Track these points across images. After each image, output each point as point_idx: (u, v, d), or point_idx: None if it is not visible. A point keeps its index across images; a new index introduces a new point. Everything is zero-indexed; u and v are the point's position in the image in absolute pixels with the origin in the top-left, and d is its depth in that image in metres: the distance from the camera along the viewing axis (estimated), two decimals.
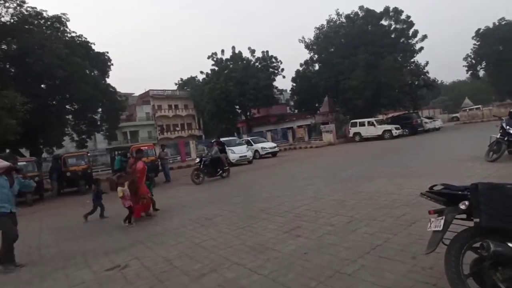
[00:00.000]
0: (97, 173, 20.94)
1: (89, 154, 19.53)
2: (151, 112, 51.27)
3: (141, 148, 11.17)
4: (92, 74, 21.59)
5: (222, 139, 20.06)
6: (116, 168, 13.40)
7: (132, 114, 50.46)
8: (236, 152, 18.51)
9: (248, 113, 43.30)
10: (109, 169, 19.45)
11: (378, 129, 25.05)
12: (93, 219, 7.67)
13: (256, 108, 41.58)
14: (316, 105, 37.61)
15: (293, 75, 39.55)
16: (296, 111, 44.95)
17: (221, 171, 12.64)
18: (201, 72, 43.67)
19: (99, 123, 23.60)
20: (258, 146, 22.00)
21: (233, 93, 36.76)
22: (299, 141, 32.82)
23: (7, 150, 17.04)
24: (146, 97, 52.65)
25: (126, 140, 46.81)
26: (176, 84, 63.30)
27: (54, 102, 20.20)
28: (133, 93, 55.32)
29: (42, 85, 19.01)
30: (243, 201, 7.50)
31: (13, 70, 17.94)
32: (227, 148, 18.68)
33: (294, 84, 39.87)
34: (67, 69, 17.24)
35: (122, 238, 5.69)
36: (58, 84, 18.48)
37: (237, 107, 41.86)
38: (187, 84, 59.46)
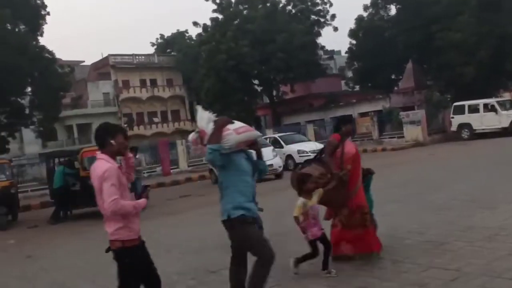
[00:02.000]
0: (25, 193, 21.54)
1: (12, 164, 20.05)
2: (113, 92, 52.29)
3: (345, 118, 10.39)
4: (16, 30, 22.20)
5: None
6: (56, 187, 13.74)
7: (81, 96, 51.41)
8: None
9: (274, 93, 43.37)
10: (44, 187, 19.87)
11: (504, 118, 24.62)
12: None
13: (289, 83, 41.68)
14: (393, 76, 37.15)
15: (352, 26, 39.31)
16: (357, 87, 44.80)
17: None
18: (195, 24, 44.07)
19: (27, 111, 24.16)
20: (293, 148, 22.04)
21: (249, 59, 36.93)
22: (363, 140, 32.45)
23: None
24: (104, 68, 53.69)
25: (72, 140, 47.68)
26: (153, 44, 63.98)
27: None
28: (83, 61, 56.53)
29: None
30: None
31: None
32: None
33: (354, 42, 39.64)
34: None
35: None
36: None
37: (256, 82, 42.03)
38: (171, 44, 60.05)
